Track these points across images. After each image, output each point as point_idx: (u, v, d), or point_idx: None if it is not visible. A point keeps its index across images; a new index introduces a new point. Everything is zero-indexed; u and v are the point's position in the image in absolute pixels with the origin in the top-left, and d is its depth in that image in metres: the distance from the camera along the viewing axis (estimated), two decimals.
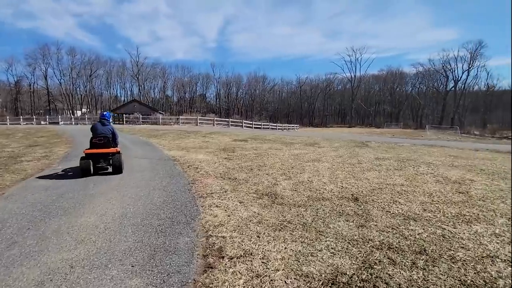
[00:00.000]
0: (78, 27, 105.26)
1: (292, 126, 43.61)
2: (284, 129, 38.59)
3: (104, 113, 6.24)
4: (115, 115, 33.95)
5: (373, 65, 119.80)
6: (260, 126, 32.73)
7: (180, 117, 30.31)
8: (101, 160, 5.51)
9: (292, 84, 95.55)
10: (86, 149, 5.45)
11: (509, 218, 3.31)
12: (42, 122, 34.33)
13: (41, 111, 68.63)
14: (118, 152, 5.56)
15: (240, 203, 3.72)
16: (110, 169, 5.57)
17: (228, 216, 3.21)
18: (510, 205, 3.78)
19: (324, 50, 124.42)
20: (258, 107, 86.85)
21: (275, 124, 37.71)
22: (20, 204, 3.56)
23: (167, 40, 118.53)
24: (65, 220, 3.00)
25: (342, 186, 4.85)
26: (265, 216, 3.23)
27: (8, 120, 30.59)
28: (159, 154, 7.63)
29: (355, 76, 77.23)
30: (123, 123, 28.62)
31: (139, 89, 73.61)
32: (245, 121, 30.63)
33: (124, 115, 30.13)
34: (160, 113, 37.92)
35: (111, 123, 6.06)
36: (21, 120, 31.67)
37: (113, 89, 79.22)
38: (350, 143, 12.09)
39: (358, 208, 3.60)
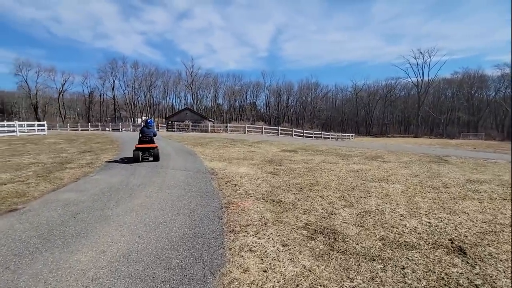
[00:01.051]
0: (143, 43, 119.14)
1: (347, 136, 40.71)
2: (338, 138, 36.13)
3: (148, 120, 8.90)
4: (169, 122, 36.06)
5: (444, 68, 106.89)
6: (311, 135, 31.10)
7: (229, 125, 30.59)
8: (146, 152, 8.02)
9: (347, 91, 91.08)
10: (137, 144, 8.05)
11: None
12: (107, 129, 38.39)
13: (108, 118, 77.95)
14: (156, 147, 8.05)
15: (283, 246, 2.68)
16: (151, 159, 7.96)
17: (265, 272, 2.19)
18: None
19: (382, 54, 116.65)
20: (309, 115, 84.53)
21: (328, 133, 35.55)
22: (27, 224, 3.11)
23: (220, 52, 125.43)
24: (56, 258, 2.36)
25: (429, 223, 3.46)
26: (321, 278, 2.13)
27: (79, 127, 34.85)
28: (198, 166, 7.05)
29: (422, 80, 69.38)
30: (174, 130, 30.14)
31: (192, 98, 78.29)
32: (295, 130, 29.41)
33: (176, 122, 31.77)
34: (210, 120, 39.12)
35: (154, 127, 8.35)
36: (89, 126, 35.85)
37: (169, 98, 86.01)
38: (423, 158, 10.02)
39: (471, 271, 2.26)
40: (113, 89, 75.04)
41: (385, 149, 13.26)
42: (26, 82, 66.79)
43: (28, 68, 66.54)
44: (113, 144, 13.45)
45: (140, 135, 8.20)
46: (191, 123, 30.02)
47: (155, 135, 8.43)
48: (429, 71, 69.12)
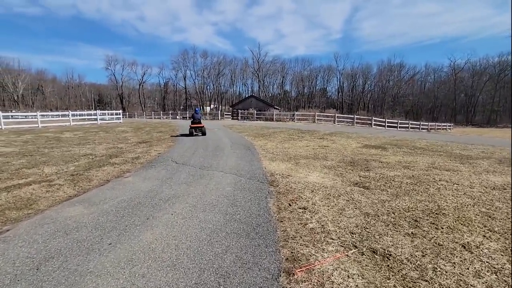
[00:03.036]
0: (214, 34, 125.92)
1: (444, 126, 34.04)
2: (431, 129, 30.35)
3: (196, 109, 13.78)
4: (234, 110, 36.07)
5: None
6: (395, 125, 26.69)
7: (296, 113, 28.52)
8: (197, 129, 12.47)
9: (441, 71, 77.62)
10: (191, 125, 12.62)
11: None
12: (177, 117, 40.85)
13: (181, 107, 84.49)
14: (203, 126, 12.56)
15: None
16: (200, 134, 12.49)
17: None
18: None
19: (490, 25, 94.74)
20: (390, 101, 75.30)
21: (418, 123, 30.12)
22: None
23: (290, 36, 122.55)
24: None
25: None
26: None
27: (153, 115, 37.86)
28: (254, 168, 5.53)
29: None
30: (238, 119, 29.72)
31: (258, 85, 78.12)
32: (375, 118, 25.56)
33: (240, 110, 31.32)
34: (275, 108, 37.72)
35: (201, 114, 14.34)
36: (161, 115, 38.62)
37: (236, 86, 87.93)
38: None
39: None
40: (184, 79, 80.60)
41: None
42: (114, 75, 77.26)
43: (116, 63, 76.68)
44: (173, 132, 13.17)
45: (192, 119, 13.18)
46: (255, 111, 29.06)
47: (200, 119, 13.27)
48: None
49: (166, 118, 40.60)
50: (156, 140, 10.67)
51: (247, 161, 6.21)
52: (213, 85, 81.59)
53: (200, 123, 12.86)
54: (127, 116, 45.50)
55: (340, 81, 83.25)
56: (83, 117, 25.11)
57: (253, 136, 11.79)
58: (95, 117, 23.18)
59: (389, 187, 4.50)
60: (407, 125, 28.38)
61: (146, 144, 9.36)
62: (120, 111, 25.72)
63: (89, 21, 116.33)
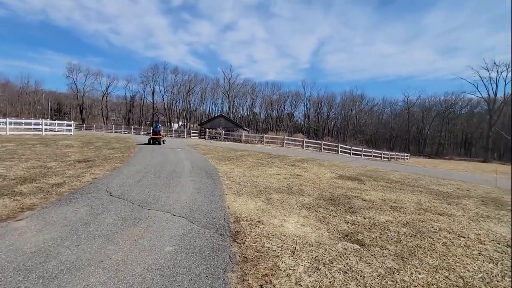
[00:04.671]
0: (188, 53, 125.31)
1: (401, 155, 35.44)
2: (391, 158, 31.28)
3: (157, 123, 17.06)
4: (202, 128, 34.39)
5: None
6: (360, 153, 26.94)
7: (265, 135, 27.69)
8: (155, 139, 15.67)
9: (396, 105, 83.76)
10: (151, 135, 16.18)
11: None
12: (141, 132, 37.98)
13: (147, 122, 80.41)
14: (160, 137, 15.95)
15: None
16: (157, 143, 15.57)
17: None
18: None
19: (436, 69, 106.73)
20: (352, 129, 78.71)
21: (379, 152, 30.90)
22: None
23: (261, 62, 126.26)
24: None
25: None
26: None
27: (112, 129, 34.71)
28: (215, 208, 4.13)
29: (495, 95, 60.15)
30: (205, 138, 28.06)
31: (229, 105, 77.47)
32: (341, 145, 25.56)
33: (207, 129, 29.76)
34: (244, 129, 36.75)
35: (160, 128, 16.85)
36: (123, 129, 35.61)
37: (205, 105, 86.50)
38: None
39: None
40: (153, 94, 77.40)
41: (493, 184, 9.24)
42: (75, 84, 71.64)
43: (78, 71, 71.39)
44: (127, 151, 11.30)
45: (152, 131, 16.08)
46: (223, 131, 27.69)
47: (160, 130, 16.31)
48: (505, 85, 59.57)
49: (128, 132, 37.53)
50: (102, 159, 8.82)
51: (206, 195, 4.79)
52: (183, 102, 79.34)
53: (157, 134, 16.21)
54: (84, 128, 41.38)
55: (307, 107, 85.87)
56: (29, 126, 21.86)
57: (219, 160, 10.39)
58: (40, 126, 20.14)
59: (388, 241, 3.40)
60: (370, 154, 28.89)
61: (85, 164, 7.53)
62: (72, 122, 22.86)
63: (58, 29, 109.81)
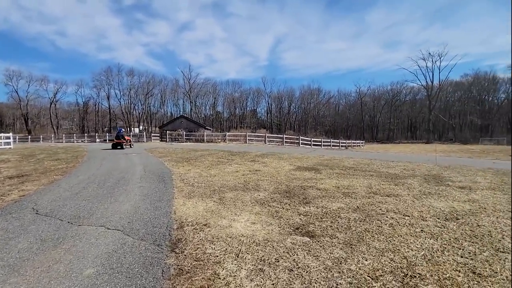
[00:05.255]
0: (145, 54, 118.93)
1: (357, 143, 37.42)
2: (348, 146, 32.83)
3: (120, 128, 19.56)
4: (163, 131, 32.86)
5: (447, 71, 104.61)
6: (319, 143, 27.82)
7: (227, 133, 27.28)
8: (118, 144, 16.44)
9: (350, 96, 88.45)
10: (114, 140, 17.05)
11: None
12: (97, 140, 35.18)
13: (105, 128, 74.99)
14: (123, 142, 16.74)
15: None
16: (119, 148, 16.38)
17: None
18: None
19: (382, 61, 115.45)
20: (312, 121, 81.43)
21: (337, 141, 32.25)
22: None
23: (221, 61, 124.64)
24: None
25: None
26: None
27: (64, 138, 31.68)
28: (159, 215, 3.73)
29: (432, 82, 66.18)
30: (166, 140, 26.79)
31: (190, 106, 75.36)
32: (302, 138, 26.14)
33: (168, 131, 28.45)
34: (207, 129, 35.90)
35: (124, 132, 18.31)
36: (74, 138, 32.66)
37: (166, 107, 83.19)
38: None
39: None
40: (108, 99, 72.29)
41: (433, 163, 9.98)
42: (17, 92, 64.11)
43: (19, 78, 63.91)
44: (74, 161, 10.20)
45: (116, 136, 16.77)
46: (184, 133, 26.68)
47: (123, 136, 16.93)
48: (439, 72, 65.93)
49: (81, 141, 34.51)
50: (41, 172, 7.80)
51: (152, 202, 4.35)
52: (142, 105, 75.30)
53: (120, 139, 16.81)
54: (30, 140, 37.15)
55: (268, 103, 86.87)
56: None
57: (176, 162, 9.83)
58: None
59: (338, 229, 3.33)
60: (329, 143, 30.00)
61: (17, 180, 6.55)
62: (11, 134, 20.20)
63: None
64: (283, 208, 4.17)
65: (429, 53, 64.83)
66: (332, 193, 5.16)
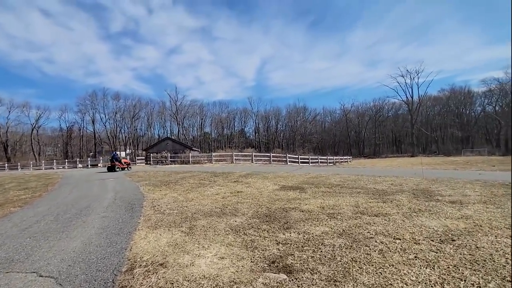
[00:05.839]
0: (134, 78, 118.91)
1: (345, 159, 37.44)
2: (336, 162, 32.73)
3: (115, 152, 22.16)
4: (148, 154, 31.89)
5: (425, 86, 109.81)
6: (307, 161, 27.55)
7: (213, 154, 26.65)
8: (112, 167, 17.69)
9: (335, 113, 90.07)
10: (109, 164, 18.65)
11: None
12: (79, 165, 33.72)
13: (91, 153, 72.69)
14: (117, 165, 18.03)
15: None
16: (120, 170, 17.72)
17: None
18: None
19: (364, 79, 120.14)
20: (300, 139, 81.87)
21: (325, 157, 32.13)
22: None
23: (209, 83, 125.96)
24: None
25: None
26: None
27: (42, 165, 30.17)
28: (111, 252, 3.13)
29: (412, 98, 68.47)
30: (150, 163, 25.83)
31: (178, 128, 74.61)
32: (289, 155, 25.82)
33: (152, 154, 27.58)
34: (194, 150, 35.17)
35: (120, 156, 20.56)
36: (54, 164, 31.18)
37: (153, 129, 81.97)
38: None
39: None
40: (93, 123, 70.62)
41: (420, 176, 9.71)
42: None
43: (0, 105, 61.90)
44: (42, 190, 9.37)
45: (110, 159, 18.40)
46: (169, 155, 25.90)
47: (118, 159, 18.70)
48: (418, 88, 68.45)
49: (62, 167, 32.96)
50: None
51: (109, 236, 3.74)
52: (128, 128, 73.92)
53: (114, 162, 18.16)
54: (8, 168, 35.11)
55: (256, 123, 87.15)
56: None
57: (153, 186, 9.17)
58: None
59: (321, 260, 2.83)
60: (317, 160, 29.79)
61: None
62: None
63: None
64: (260, 236, 3.65)
65: (407, 70, 67.59)
66: (316, 215, 4.68)
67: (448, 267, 2.62)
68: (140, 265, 2.71)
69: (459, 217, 4.29)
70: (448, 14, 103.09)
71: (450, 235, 3.50)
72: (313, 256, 2.97)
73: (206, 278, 2.43)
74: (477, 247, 3.09)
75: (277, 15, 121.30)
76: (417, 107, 67.91)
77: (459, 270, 2.56)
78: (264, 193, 7.15)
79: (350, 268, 2.67)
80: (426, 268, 2.64)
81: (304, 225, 4.13)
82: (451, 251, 3.00)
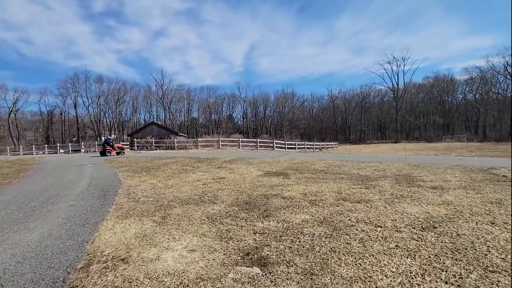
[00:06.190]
0: (118, 62, 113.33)
1: (331, 145, 37.77)
2: (322, 148, 32.95)
3: (107, 137, 23.50)
4: (133, 139, 30.98)
5: (411, 74, 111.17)
6: (294, 146, 27.55)
7: (199, 139, 26.14)
8: (104, 151, 18.47)
9: (323, 100, 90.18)
10: (101, 148, 20.06)
11: None
12: (60, 150, 32.43)
13: (74, 138, 70.19)
14: (108, 149, 18.64)
15: None
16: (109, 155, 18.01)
17: None
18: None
19: (351, 66, 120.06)
20: (288, 125, 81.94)
21: (311, 143, 32.25)
22: None
23: (197, 68, 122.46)
24: None
25: None
26: None
27: (21, 150, 28.81)
28: (70, 246, 2.85)
29: (397, 85, 69.25)
30: (134, 149, 25.10)
31: (164, 113, 72.85)
32: (276, 141, 25.69)
33: (136, 139, 26.75)
34: (181, 135, 34.43)
35: (111, 141, 20.15)
36: (33, 149, 29.85)
37: (139, 114, 79.74)
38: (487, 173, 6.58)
39: None
40: (75, 107, 67.83)
41: (403, 162, 9.76)
42: None
43: None
44: (13, 176, 8.80)
45: (102, 143, 19.59)
46: (153, 140, 25.18)
47: (109, 144, 19.06)
48: (404, 75, 69.16)
49: (42, 152, 31.59)
50: None
51: (72, 227, 3.43)
52: (112, 113, 71.49)
53: (105, 146, 18.91)
54: None
55: (244, 108, 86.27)
56: None
57: (133, 172, 8.78)
58: None
59: (299, 251, 2.65)
60: (303, 146, 29.87)
61: None
62: None
63: None
64: (237, 226, 3.44)
65: (394, 57, 68.03)
66: (298, 202, 4.51)
67: (429, 257, 2.50)
68: (99, 261, 2.43)
69: (440, 203, 4.22)
70: (432, 2, 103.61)
71: (431, 222, 3.40)
72: (291, 247, 2.79)
73: (171, 274, 2.19)
74: (458, 235, 2.99)
75: (264, 0, 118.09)
76: (402, 94, 68.89)
77: (440, 259, 2.44)
78: (247, 179, 6.94)
79: (328, 260, 2.50)
80: (407, 258, 2.50)
81: (284, 213, 3.95)
82: (433, 239, 2.89)
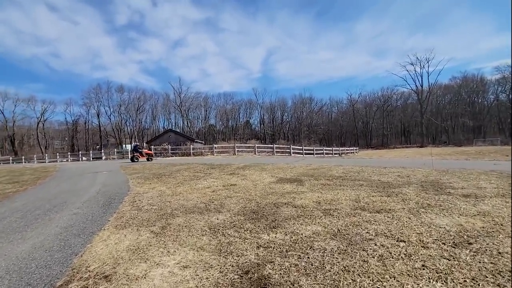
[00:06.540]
0: (139, 72, 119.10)
1: (351, 150, 36.61)
2: (342, 153, 31.98)
3: (137, 144, 21.93)
4: (150, 146, 31.71)
5: (436, 75, 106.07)
6: (311, 152, 26.90)
7: (215, 145, 26.23)
8: (134, 157, 18.96)
9: (342, 104, 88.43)
10: (132, 154, 19.78)
11: None
12: (83, 158, 33.80)
13: (97, 146, 73.35)
14: (138, 156, 19.04)
15: None
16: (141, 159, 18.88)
17: None
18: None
19: (372, 69, 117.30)
20: (306, 130, 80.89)
21: (330, 148, 31.39)
22: None
23: (215, 75, 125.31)
24: None
25: None
26: None
27: (46, 158, 30.33)
28: (58, 258, 2.69)
29: (422, 86, 66.46)
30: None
31: (182, 120, 74.40)
32: (293, 147, 25.20)
33: (153, 146, 27.27)
34: (198, 142, 34.83)
35: (139, 148, 20.06)
36: (57, 157, 31.32)
37: (158, 121, 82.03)
38: None
39: None
40: (98, 116, 71.00)
41: (430, 167, 9.05)
42: (2, 113, 62.54)
43: (5, 99, 62.51)
44: (31, 183, 9.07)
45: (131, 150, 22.01)
46: (170, 147, 25.57)
47: (138, 151, 19.44)
48: (428, 77, 66.29)
49: (66, 160, 33.10)
50: None
51: (67, 237, 3.29)
52: (133, 121, 74.07)
53: (134, 153, 19.47)
54: (12, 161, 35.51)
55: (261, 114, 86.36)
56: None
57: (144, 179, 8.76)
58: None
59: (306, 270, 2.31)
60: (322, 151, 29.11)
61: None
62: None
63: None
64: (240, 238, 3.15)
65: (417, 58, 65.53)
66: (310, 212, 4.15)
67: (465, 281, 2.08)
68: (81, 278, 2.23)
69: (475, 214, 3.70)
70: (458, 1, 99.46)
71: (465, 236, 2.93)
72: (297, 264, 2.45)
73: None
74: (499, 253, 2.52)
75: (281, 6, 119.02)
76: (427, 96, 65.96)
77: (478, 285, 2.01)
78: (258, 186, 6.64)
79: (340, 281, 2.15)
80: (437, 281, 2.10)
81: (294, 223, 3.61)
82: (468, 258, 2.44)
